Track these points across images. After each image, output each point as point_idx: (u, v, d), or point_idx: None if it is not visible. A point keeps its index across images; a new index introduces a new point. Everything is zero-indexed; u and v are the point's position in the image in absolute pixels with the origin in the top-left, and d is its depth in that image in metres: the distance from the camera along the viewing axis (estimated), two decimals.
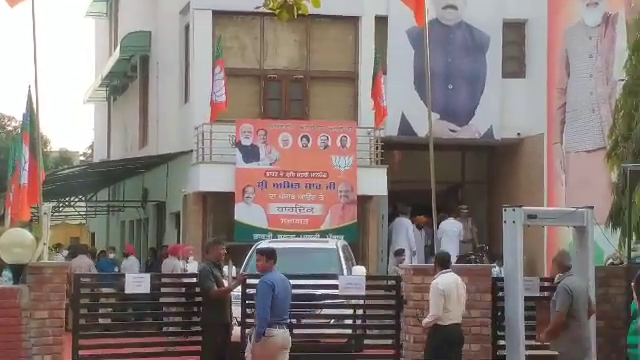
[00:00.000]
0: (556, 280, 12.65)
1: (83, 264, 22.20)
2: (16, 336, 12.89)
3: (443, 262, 13.15)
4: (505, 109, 25.97)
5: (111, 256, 25.58)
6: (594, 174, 21.91)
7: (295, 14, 6.97)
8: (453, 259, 15.87)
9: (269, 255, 12.56)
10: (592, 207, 14.03)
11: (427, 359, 12.93)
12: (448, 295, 12.70)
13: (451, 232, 24.29)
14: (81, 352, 13.51)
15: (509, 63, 26.49)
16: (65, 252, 24.95)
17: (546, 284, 14.31)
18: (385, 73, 24.50)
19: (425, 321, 12.85)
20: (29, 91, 16.08)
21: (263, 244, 20.18)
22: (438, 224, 18.30)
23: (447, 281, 12.84)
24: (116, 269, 23.85)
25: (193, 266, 20.72)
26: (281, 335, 12.18)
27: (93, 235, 41.51)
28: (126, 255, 25.23)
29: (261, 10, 7.38)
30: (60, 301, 13.21)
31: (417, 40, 24.13)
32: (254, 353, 12.21)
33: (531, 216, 14.04)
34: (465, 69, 25.96)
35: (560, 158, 24.86)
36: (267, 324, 11.99)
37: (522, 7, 26.11)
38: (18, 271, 13.48)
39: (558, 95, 25.14)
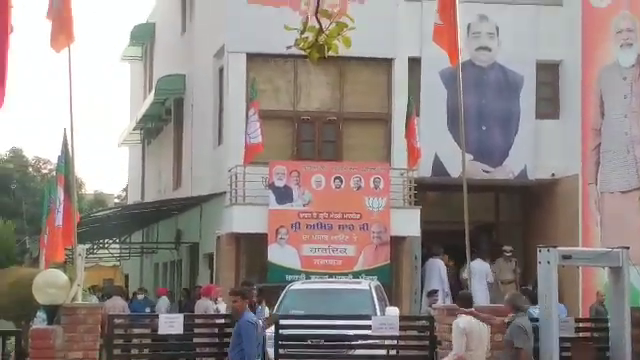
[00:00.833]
0: (507, 320, 12.69)
1: (117, 305, 22.23)
2: None
3: (465, 302, 13.11)
4: (539, 150, 25.88)
5: (139, 297, 25.54)
6: (629, 214, 21.80)
7: (325, 54, 6.99)
8: (482, 300, 15.78)
9: (244, 295, 12.53)
10: (628, 247, 13.95)
11: None
12: (470, 334, 12.67)
13: (478, 273, 24.07)
14: None
15: (543, 104, 26.42)
16: (99, 294, 24.99)
17: (581, 325, 14.17)
18: (418, 114, 24.51)
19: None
20: (64, 133, 16.24)
21: (296, 285, 20.23)
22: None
23: (468, 320, 12.80)
24: (147, 309, 23.80)
25: (222, 307, 20.71)
26: None
27: (127, 277, 41.61)
28: (158, 296, 25.22)
29: (292, 51, 7.42)
30: (94, 342, 13.25)
31: (450, 81, 24.17)
32: None
33: (566, 257, 13.97)
34: (499, 110, 25.92)
35: (595, 198, 24.72)
36: None
37: (556, 48, 26.08)
38: (52, 312, 13.55)
39: (592, 135, 25.05)
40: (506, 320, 12.71)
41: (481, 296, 22.22)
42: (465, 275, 23.61)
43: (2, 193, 51.23)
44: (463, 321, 12.81)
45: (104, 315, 15.92)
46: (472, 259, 23.90)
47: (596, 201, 24.68)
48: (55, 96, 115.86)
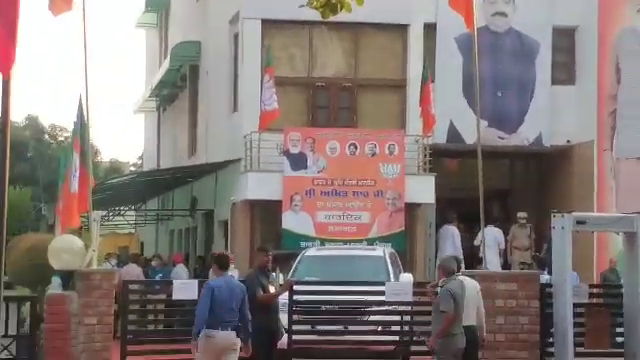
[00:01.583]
0: (440, 284, 12.76)
1: (132, 272, 22.35)
2: (65, 342, 13.03)
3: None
4: (554, 116, 25.78)
5: (153, 264, 25.60)
6: None
7: (338, 11, 6.99)
8: (494, 267, 15.76)
9: (220, 263, 12.70)
10: None
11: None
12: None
13: (491, 240, 23.99)
14: (129, 358, 13.56)
15: (559, 70, 26.30)
16: (113, 261, 25.07)
17: (595, 291, 14.17)
18: (433, 81, 24.42)
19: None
20: (80, 99, 16.24)
21: (310, 252, 20.26)
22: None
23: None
24: (160, 276, 23.74)
25: (236, 273, 20.77)
26: (221, 336, 12.30)
27: (142, 244, 41.77)
28: (174, 264, 25.27)
29: (307, 17, 7.50)
30: (109, 307, 13.32)
31: (466, 47, 24.06)
32: (198, 352, 12.36)
33: (580, 222, 13.95)
34: (514, 76, 25.80)
35: (610, 165, 24.65)
36: (205, 324, 12.13)
37: (572, 13, 25.91)
38: (67, 277, 13.64)
39: (608, 101, 24.94)
40: (439, 284, 12.81)
41: (493, 262, 22.17)
42: (477, 242, 23.69)
43: (18, 160, 51.40)
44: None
45: (119, 282, 16.04)
46: (485, 226, 23.99)
47: (611, 167, 24.61)
48: (71, 64, 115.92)
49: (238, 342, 12.55)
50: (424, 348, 14.87)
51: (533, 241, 25.03)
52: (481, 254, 18.20)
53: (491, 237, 23.64)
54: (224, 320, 12.29)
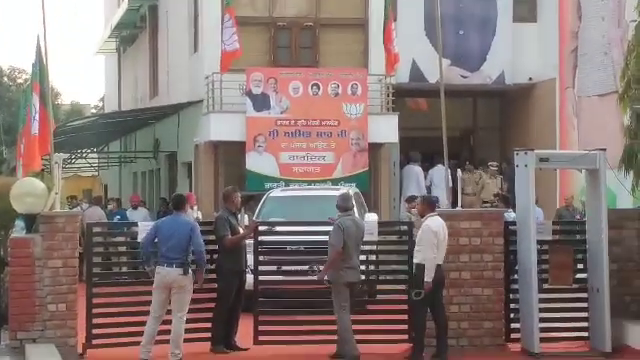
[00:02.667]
0: (335, 219, 13.34)
1: (94, 215, 22.25)
2: (30, 285, 12.98)
3: (431, 205, 13.44)
4: (516, 54, 25.83)
5: (109, 207, 25.51)
6: (606, 118, 21.80)
7: None
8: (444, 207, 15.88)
9: (173, 203, 13.46)
10: (604, 149, 13.95)
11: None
12: (438, 237, 12.89)
13: (438, 179, 24.07)
14: (95, 300, 13.54)
15: (520, 7, 26.31)
16: (85, 205, 24.95)
17: (559, 228, 14.26)
18: (395, 19, 24.31)
19: (428, 267, 12.90)
20: (38, 40, 15.97)
21: (275, 192, 20.26)
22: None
23: (437, 223, 13.05)
24: (117, 218, 23.67)
25: (200, 215, 20.88)
26: (165, 272, 12.78)
27: (106, 187, 41.59)
28: (134, 207, 25.17)
29: None
30: (73, 250, 13.26)
31: None
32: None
33: (543, 159, 14.01)
34: (476, 14, 25.81)
35: (572, 102, 24.73)
36: (147, 260, 12.95)
37: None
38: (31, 221, 13.52)
39: (570, 39, 24.95)
40: (335, 219, 13.34)
41: (442, 202, 22.25)
42: (427, 182, 23.86)
43: None
44: (434, 224, 12.99)
45: (82, 224, 15.96)
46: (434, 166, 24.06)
47: (573, 105, 24.69)
48: (29, 5, 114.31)
49: (185, 280, 12.77)
50: (390, 287, 15.02)
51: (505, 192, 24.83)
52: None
53: (439, 177, 23.73)
54: (168, 257, 12.78)
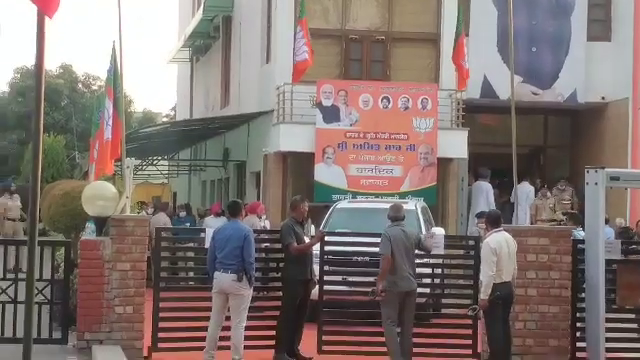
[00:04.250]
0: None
1: (159, 221, 22.45)
2: (98, 287, 13.15)
3: (494, 221, 13.25)
4: (590, 73, 25.60)
5: (182, 214, 25.58)
6: None
7: None
8: (523, 221, 15.77)
9: (229, 210, 13.76)
10: None
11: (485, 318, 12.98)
12: (499, 254, 12.74)
13: (521, 195, 23.86)
14: (162, 304, 13.67)
15: (595, 26, 26.09)
16: (150, 210, 25.20)
17: (629, 247, 14.10)
18: (468, 35, 24.26)
19: (484, 285, 12.80)
20: (113, 46, 16.25)
21: (342, 204, 20.30)
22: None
23: (498, 239, 12.87)
24: (187, 225, 23.82)
25: (268, 224, 20.96)
26: (219, 277, 12.90)
27: (175, 194, 41.98)
28: (217, 215, 25.13)
29: None
30: (142, 254, 13.38)
31: (501, 1, 23.93)
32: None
33: (614, 178, 13.87)
34: (549, 31, 25.62)
35: None
36: (210, 267, 13.04)
37: None
38: (101, 223, 13.72)
39: None
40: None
41: (522, 219, 22.10)
42: (512, 198, 23.55)
43: (52, 109, 51.59)
44: (493, 240, 12.88)
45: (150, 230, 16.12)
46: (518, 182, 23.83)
47: None
48: (106, 13, 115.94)
49: (240, 286, 12.81)
50: (455, 301, 14.96)
51: (576, 204, 24.55)
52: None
53: (523, 194, 23.57)
54: (223, 263, 12.86)
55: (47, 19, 7.13)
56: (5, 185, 26.34)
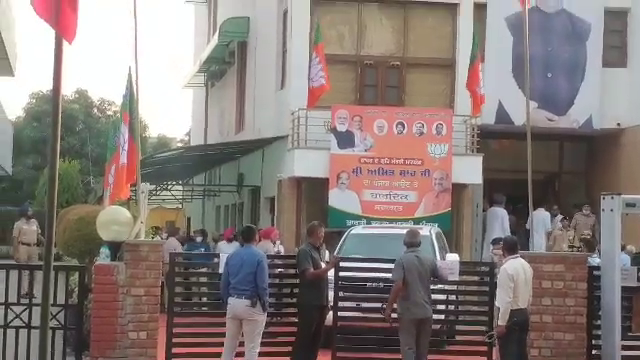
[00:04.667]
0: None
1: (170, 246, 22.40)
2: (112, 312, 13.13)
3: (511, 248, 13.16)
4: (605, 99, 25.56)
5: (198, 239, 25.50)
6: None
7: None
8: (539, 248, 15.71)
9: (243, 235, 13.75)
10: None
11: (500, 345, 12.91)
12: (516, 280, 12.67)
13: (538, 222, 23.76)
14: (175, 329, 13.64)
15: (610, 52, 26.06)
16: (164, 235, 25.18)
17: None
18: (483, 61, 24.26)
19: (502, 311, 12.71)
20: (129, 71, 16.31)
21: (357, 229, 20.25)
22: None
23: (515, 266, 12.82)
24: (202, 250, 23.78)
25: (282, 249, 20.93)
26: (233, 303, 12.90)
27: (189, 219, 42.00)
28: (229, 240, 25.11)
29: None
30: (156, 279, 13.38)
31: (516, 27, 23.90)
32: None
33: (630, 204, 13.81)
34: (565, 58, 25.59)
35: None
36: (224, 293, 13.03)
37: None
38: (115, 248, 13.71)
39: None
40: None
41: (539, 245, 22.02)
42: (528, 225, 23.45)
43: (67, 134, 51.82)
44: (511, 267, 12.82)
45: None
46: (534, 209, 23.73)
47: None
48: (121, 39, 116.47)
49: (254, 312, 12.78)
50: (470, 327, 14.89)
51: (597, 231, 24.41)
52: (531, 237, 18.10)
53: (539, 220, 23.47)
54: (236, 288, 12.85)
55: (65, 44, 7.14)
56: (22, 210, 26.40)
